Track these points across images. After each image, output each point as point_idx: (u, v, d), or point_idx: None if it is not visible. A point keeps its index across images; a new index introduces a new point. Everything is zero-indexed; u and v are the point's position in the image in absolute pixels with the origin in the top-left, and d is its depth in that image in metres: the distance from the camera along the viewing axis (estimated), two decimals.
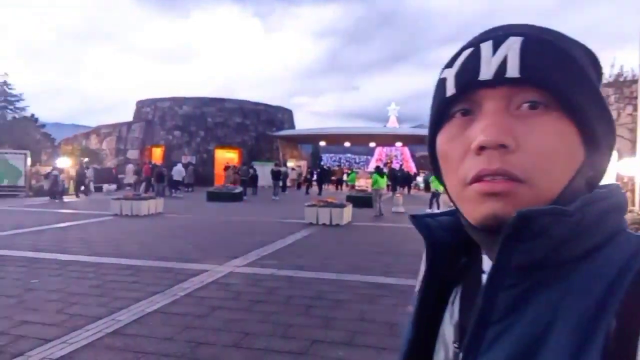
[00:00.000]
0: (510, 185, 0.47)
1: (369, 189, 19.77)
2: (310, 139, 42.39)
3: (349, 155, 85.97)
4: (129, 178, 26.99)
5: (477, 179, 0.48)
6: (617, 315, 0.40)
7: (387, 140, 42.72)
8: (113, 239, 9.76)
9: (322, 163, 49.48)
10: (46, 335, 4.26)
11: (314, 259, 7.97)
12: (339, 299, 5.61)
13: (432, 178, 18.19)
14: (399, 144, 45.00)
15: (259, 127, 35.88)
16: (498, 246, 0.45)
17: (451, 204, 0.57)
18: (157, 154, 33.52)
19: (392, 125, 56.36)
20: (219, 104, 35.06)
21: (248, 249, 8.71)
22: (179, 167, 24.53)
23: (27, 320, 4.65)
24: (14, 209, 15.63)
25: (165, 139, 34.24)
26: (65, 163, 24.09)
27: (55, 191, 20.02)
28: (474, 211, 0.49)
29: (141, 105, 36.23)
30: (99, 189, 24.02)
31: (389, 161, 48.53)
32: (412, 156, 58.24)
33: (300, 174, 32.49)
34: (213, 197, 20.34)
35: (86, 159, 28.63)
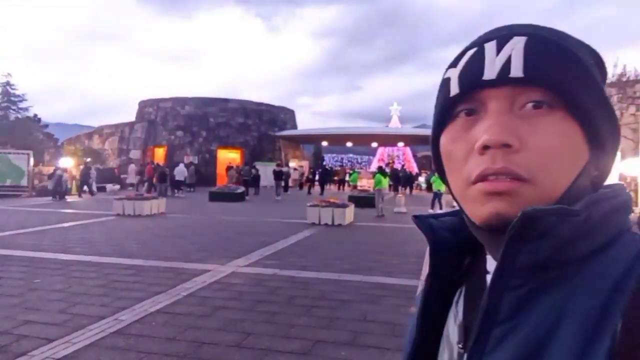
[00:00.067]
0: (514, 185, 0.47)
1: (371, 189, 19.77)
2: (313, 139, 42.40)
3: (351, 155, 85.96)
4: (131, 178, 27.05)
5: (481, 178, 0.48)
6: (623, 315, 0.40)
7: (389, 140, 42.70)
8: (115, 239, 9.78)
9: (324, 163, 49.48)
10: (49, 335, 4.27)
11: (316, 259, 7.97)
12: (341, 299, 5.61)
13: (433, 178, 18.17)
14: (401, 144, 44.98)
15: (261, 127, 35.90)
16: (502, 246, 0.45)
17: (454, 204, 0.56)
18: (160, 154, 33.57)
19: (395, 125, 56.37)
20: (221, 104, 35.09)
21: (250, 249, 8.72)
22: (181, 167, 24.58)
23: (30, 320, 4.67)
24: (17, 209, 15.67)
25: (167, 139, 34.29)
26: (67, 163, 24.14)
27: (59, 191, 20.07)
28: (478, 211, 0.49)
29: (144, 105, 36.29)
30: (102, 189, 24.06)
31: (391, 161, 48.52)
32: (414, 156, 58.24)
33: (302, 174, 32.49)
34: (215, 197, 20.37)
35: (89, 159, 28.70)
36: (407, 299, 5.59)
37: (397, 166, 41.20)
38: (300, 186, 31.13)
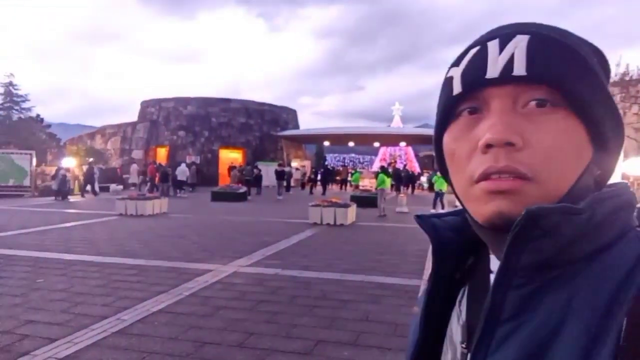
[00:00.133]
0: (517, 183, 0.46)
1: (373, 189, 19.76)
2: (315, 139, 42.41)
3: (353, 155, 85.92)
4: (133, 178, 27.10)
5: (484, 177, 0.48)
6: (627, 314, 0.39)
7: (391, 140, 42.68)
8: (118, 238, 9.79)
9: (326, 163, 49.48)
10: (51, 335, 4.28)
11: (318, 259, 7.97)
12: (343, 299, 5.60)
13: (435, 178, 18.13)
14: (403, 143, 44.94)
15: (263, 127, 35.93)
16: (506, 245, 0.45)
17: (457, 204, 0.56)
18: (162, 154, 33.63)
19: (396, 125, 56.32)
20: (223, 104, 35.13)
21: (252, 248, 8.72)
22: (183, 167, 24.59)
23: (33, 320, 4.68)
24: (19, 209, 15.71)
25: (169, 139, 34.34)
26: (70, 163, 24.20)
27: (64, 191, 20.12)
28: (481, 210, 0.49)
29: (146, 105, 36.35)
30: (104, 189, 24.12)
31: (392, 161, 48.45)
32: (416, 156, 58.16)
33: (304, 174, 32.50)
34: (217, 197, 20.39)
35: (91, 159, 28.79)
36: (409, 299, 5.58)
37: (399, 166, 41.15)
38: (302, 186, 31.15)
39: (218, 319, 4.81)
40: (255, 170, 26.01)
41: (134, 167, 28.12)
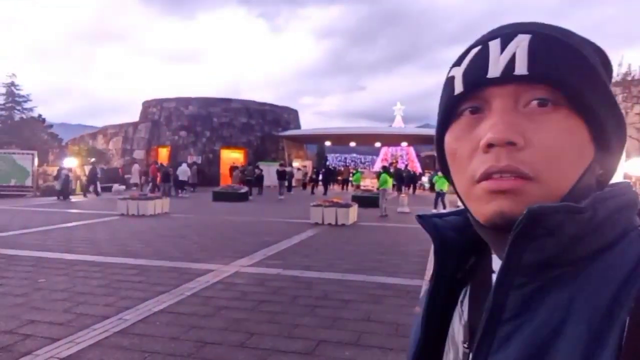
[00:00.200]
0: (518, 183, 0.46)
1: (375, 189, 19.76)
2: (316, 139, 42.39)
3: (354, 155, 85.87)
4: (135, 178, 27.12)
5: (485, 176, 0.48)
6: (630, 313, 0.39)
7: (392, 140, 42.65)
8: (119, 238, 9.80)
9: (327, 163, 49.47)
10: (53, 335, 4.28)
11: (320, 259, 7.97)
12: (344, 299, 5.60)
13: (435, 178, 18.12)
14: (404, 143, 44.92)
15: (264, 127, 35.93)
16: (507, 244, 0.45)
17: (459, 204, 0.56)
18: (163, 154, 33.65)
19: (398, 125, 56.28)
20: (224, 104, 35.13)
21: (254, 249, 8.72)
22: (184, 166, 24.58)
23: (35, 320, 4.68)
24: (21, 209, 15.73)
25: (171, 139, 34.35)
26: (72, 163, 24.24)
27: (66, 191, 20.16)
28: (482, 209, 0.49)
29: (147, 105, 36.37)
30: (105, 189, 24.17)
31: (394, 161, 48.42)
32: (418, 156, 58.12)
33: (305, 174, 32.51)
34: (219, 197, 20.40)
35: (93, 159, 28.82)
36: (411, 299, 5.58)
37: (401, 166, 41.12)
38: (304, 186, 31.15)
39: (219, 319, 4.82)
40: (256, 171, 26.02)
41: (136, 167, 28.14)
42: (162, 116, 34.95)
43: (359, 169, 38.84)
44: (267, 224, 12.82)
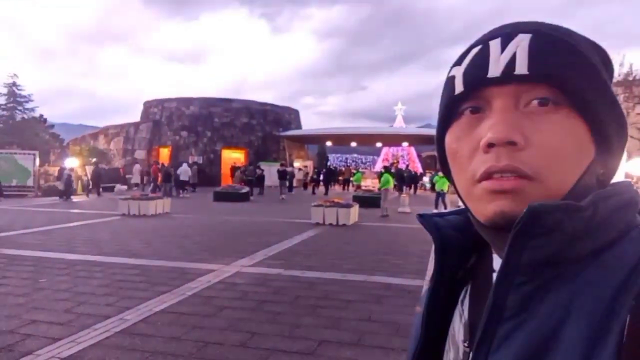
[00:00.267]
0: (519, 183, 0.46)
1: (376, 189, 19.74)
2: (317, 139, 42.39)
3: (355, 155, 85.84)
4: (136, 178, 27.14)
5: (486, 176, 0.48)
6: (631, 311, 0.39)
7: (393, 140, 42.63)
8: (120, 238, 9.81)
9: (328, 163, 49.46)
10: (54, 334, 4.29)
11: (321, 259, 7.96)
12: (346, 299, 5.60)
13: (436, 178, 18.11)
14: (405, 144, 44.90)
15: (265, 127, 35.93)
16: (508, 242, 0.45)
17: (460, 204, 0.56)
18: (165, 155, 33.66)
19: (399, 125, 56.24)
20: (225, 104, 35.14)
21: (255, 248, 8.72)
22: (185, 166, 24.58)
23: (36, 320, 4.69)
24: (23, 209, 15.75)
25: (172, 139, 34.37)
26: (73, 163, 24.27)
27: (69, 191, 20.20)
28: (483, 209, 0.49)
29: (148, 105, 36.39)
30: (107, 189, 24.19)
31: (395, 161, 48.40)
32: (419, 156, 58.09)
33: (306, 174, 32.52)
34: (220, 197, 20.40)
35: (94, 159, 28.85)
36: (412, 299, 5.58)
37: (402, 166, 41.12)
38: (305, 186, 31.15)
39: (221, 319, 4.82)
40: (257, 171, 26.02)
41: (137, 168, 28.15)
42: (163, 116, 34.97)
43: (360, 169, 38.86)
44: (268, 224, 12.82)
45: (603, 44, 0.53)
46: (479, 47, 0.51)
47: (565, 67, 0.47)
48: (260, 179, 25.73)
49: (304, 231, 11.42)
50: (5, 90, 44.36)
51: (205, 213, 15.47)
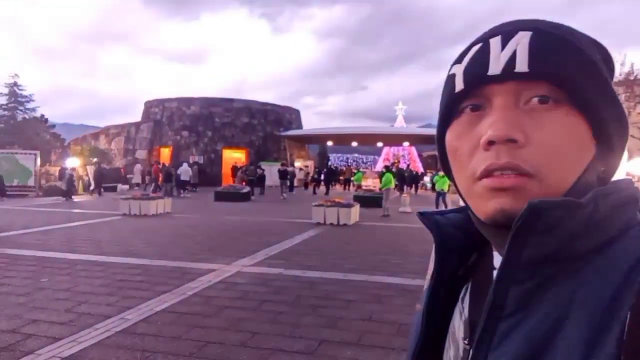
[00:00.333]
0: (519, 180, 0.46)
1: (377, 189, 19.73)
2: (318, 139, 42.40)
3: (356, 155, 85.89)
4: (137, 178, 27.15)
5: (486, 174, 0.48)
6: (631, 309, 0.39)
7: (394, 140, 42.64)
8: (121, 238, 9.82)
9: (329, 163, 49.46)
10: (55, 334, 4.29)
11: (322, 259, 7.96)
12: (346, 298, 5.60)
13: (436, 178, 18.11)
14: (406, 143, 44.90)
15: (266, 127, 35.93)
16: (508, 239, 0.45)
17: (460, 203, 0.56)
18: (165, 154, 33.68)
19: (400, 125, 56.25)
20: (226, 104, 35.15)
21: (256, 248, 8.73)
22: (185, 166, 24.58)
23: (37, 319, 4.69)
24: (24, 209, 15.77)
25: (173, 139, 34.39)
26: (74, 163, 24.30)
27: (71, 191, 20.22)
28: (483, 207, 0.49)
29: (149, 105, 36.41)
30: (110, 189, 24.22)
31: (396, 161, 48.42)
32: (420, 156, 58.09)
33: (307, 174, 32.53)
34: (221, 197, 20.42)
35: (95, 159, 28.87)
36: (413, 298, 5.57)
37: (403, 166, 41.12)
38: (306, 186, 31.16)
39: (221, 319, 4.82)
40: (258, 170, 26.02)
41: (138, 167, 28.16)
42: (164, 116, 34.99)
43: (361, 169, 38.89)
44: (269, 223, 12.83)
45: (605, 43, 0.53)
46: (480, 45, 0.51)
47: (565, 64, 0.47)
48: (261, 178, 25.74)
49: (305, 231, 11.43)
50: (6, 90, 44.39)
51: (206, 213, 15.47)
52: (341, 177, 33.91)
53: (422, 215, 0.60)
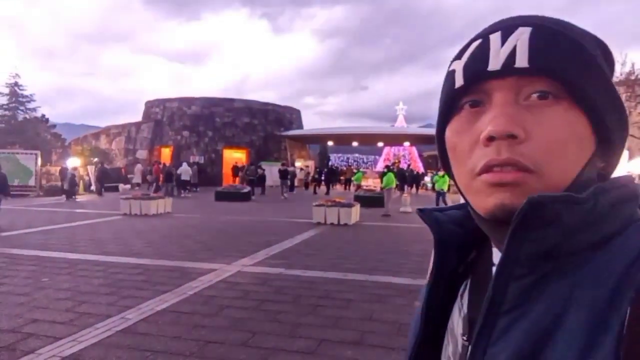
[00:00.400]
0: (519, 176, 0.46)
1: (378, 189, 19.73)
2: (318, 138, 42.40)
3: (356, 155, 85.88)
4: (137, 178, 27.16)
5: (486, 169, 0.48)
6: (631, 304, 0.39)
7: (395, 139, 42.61)
8: (122, 238, 9.82)
9: (330, 163, 49.47)
10: (56, 334, 4.30)
11: (322, 259, 7.96)
12: (347, 298, 5.60)
13: (436, 178, 18.11)
14: (406, 143, 44.88)
15: (267, 127, 35.94)
16: (507, 234, 0.45)
17: (461, 201, 0.56)
18: (166, 154, 33.69)
19: (400, 125, 56.24)
20: (227, 104, 35.15)
21: (256, 248, 8.73)
22: (185, 166, 24.57)
23: (37, 319, 4.70)
24: (25, 209, 15.77)
25: (174, 139, 34.40)
26: (75, 163, 24.31)
27: (73, 190, 20.23)
28: (483, 202, 0.49)
29: (150, 105, 36.43)
30: (111, 189, 24.24)
31: (397, 161, 48.41)
32: (420, 156, 58.07)
33: (308, 174, 32.54)
34: (221, 196, 20.43)
35: (95, 159, 28.90)
36: (413, 298, 5.57)
37: (403, 166, 41.11)
38: (306, 186, 31.16)
39: (222, 318, 4.82)
40: (259, 170, 26.02)
41: (138, 167, 28.17)
42: (164, 116, 35.00)
43: (361, 169, 38.89)
44: (270, 223, 12.83)
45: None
46: (479, 40, 0.51)
47: (565, 60, 0.47)
48: (262, 178, 25.74)
49: (305, 231, 11.43)
50: (7, 90, 44.42)
51: (207, 213, 15.48)
52: (342, 177, 33.93)
53: (422, 212, 0.60)
